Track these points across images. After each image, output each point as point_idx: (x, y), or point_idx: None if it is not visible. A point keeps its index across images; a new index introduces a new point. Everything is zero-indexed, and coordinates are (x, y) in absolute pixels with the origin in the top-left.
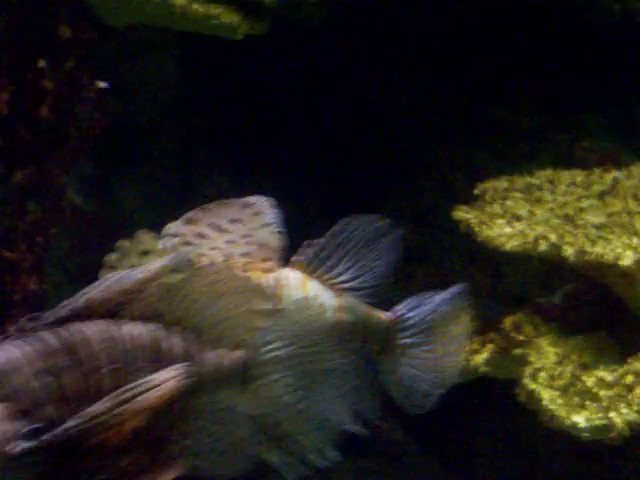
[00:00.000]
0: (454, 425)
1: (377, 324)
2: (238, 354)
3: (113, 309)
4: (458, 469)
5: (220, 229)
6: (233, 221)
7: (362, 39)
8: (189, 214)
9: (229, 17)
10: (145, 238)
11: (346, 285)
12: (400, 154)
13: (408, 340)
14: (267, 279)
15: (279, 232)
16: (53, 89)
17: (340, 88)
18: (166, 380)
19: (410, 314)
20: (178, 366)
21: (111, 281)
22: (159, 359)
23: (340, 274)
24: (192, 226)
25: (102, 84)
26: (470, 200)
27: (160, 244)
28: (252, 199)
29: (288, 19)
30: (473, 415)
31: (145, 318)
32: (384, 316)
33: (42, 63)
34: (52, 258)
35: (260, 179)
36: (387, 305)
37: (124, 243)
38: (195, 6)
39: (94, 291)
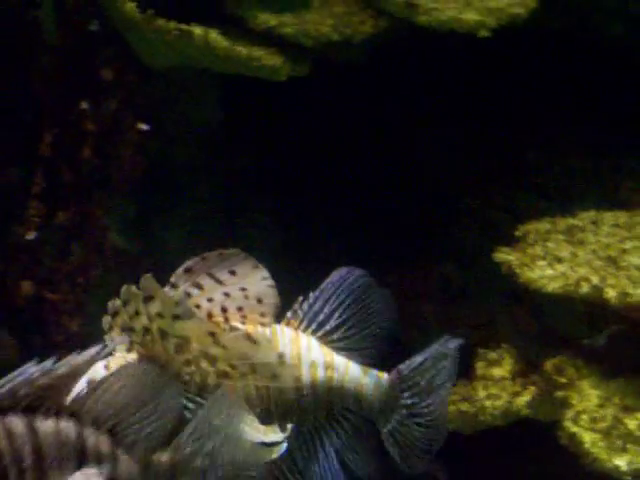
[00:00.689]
0: (497, 468)
1: (375, 385)
2: (165, 457)
3: (37, 401)
4: None
5: (218, 280)
6: (231, 273)
7: (401, 79)
8: (189, 263)
9: (271, 59)
10: (149, 284)
11: (339, 344)
12: (444, 196)
13: (410, 400)
14: (265, 331)
15: (274, 288)
16: (95, 131)
17: (381, 128)
18: None
19: (412, 374)
20: (94, 470)
21: (34, 373)
22: (84, 457)
23: (332, 332)
24: (191, 275)
25: (143, 126)
26: (512, 242)
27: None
28: (248, 257)
29: (329, 60)
30: (516, 458)
31: (69, 413)
32: (384, 377)
33: (84, 105)
34: (95, 299)
35: (303, 219)
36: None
37: (130, 288)
38: (238, 48)
39: (17, 381)
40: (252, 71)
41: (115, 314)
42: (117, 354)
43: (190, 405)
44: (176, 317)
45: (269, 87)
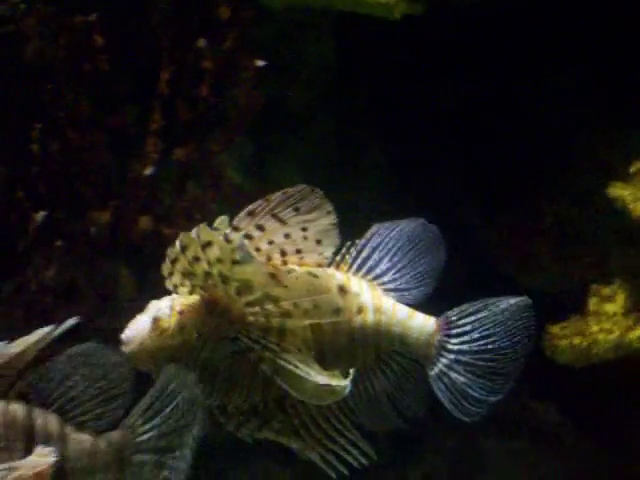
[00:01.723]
0: (609, 407)
1: (421, 329)
2: (115, 436)
3: None
4: (612, 451)
5: (280, 220)
6: (295, 210)
7: (519, 20)
8: (252, 205)
9: None
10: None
11: (389, 286)
12: (558, 136)
13: (459, 347)
14: (320, 270)
15: (336, 226)
16: (212, 69)
17: (495, 70)
18: (35, 464)
19: (462, 321)
20: (45, 449)
21: None
22: (32, 437)
23: (381, 275)
24: (254, 217)
25: (260, 63)
26: (627, 178)
27: (223, 235)
28: (314, 190)
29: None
30: (628, 398)
31: (18, 394)
32: (430, 322)
33: (201, 43)
34: None
35: (418, 161)
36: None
37: (188, 235)
38: None
39: None
40: (368, 9)
41: (175, 260)
42: (180, 296)
43: (256, 346)
44: (235, 262)
45: (384, 26)
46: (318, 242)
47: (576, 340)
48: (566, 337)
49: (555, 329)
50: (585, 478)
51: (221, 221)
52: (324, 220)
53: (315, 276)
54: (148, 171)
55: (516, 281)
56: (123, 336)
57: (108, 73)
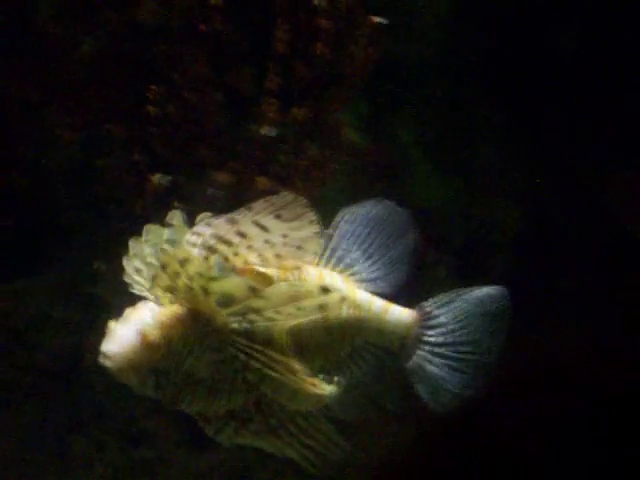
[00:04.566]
0: None
1: (397, 322)
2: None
3: None
4: None
5: (262, 227)
6: (277, 217)
7: None
8: (234, 215)
9: None
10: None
11: (361, 276)
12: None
13: (434, 339)
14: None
15: (319, 234)
16: (328, 26)
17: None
18: None
19: (438, 311)
20: None
21: None
22: None
23: (351, 265)
24: (234, 225)
25: (377, 19)
26: None
27: (187, 239)
28: (297, 198)
29: None
30: None
31: None
32: (406, 313)
33: (317, 1)
34: (329, 195)
35: (530, 114)
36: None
37: (166, 252)
38: None
39: None
40: None
41: (155, 277)
42: (162, 305)
43: (241, 356)
44: (213, 279)
45: None
46: (299, 248)
47: None
48: None
49: None
50: None
51: (173, 215)
52: (306, 229)
53: (294, 285)
54: (265, 131)
55: None
56: (105, 350)
57: (224, 33)
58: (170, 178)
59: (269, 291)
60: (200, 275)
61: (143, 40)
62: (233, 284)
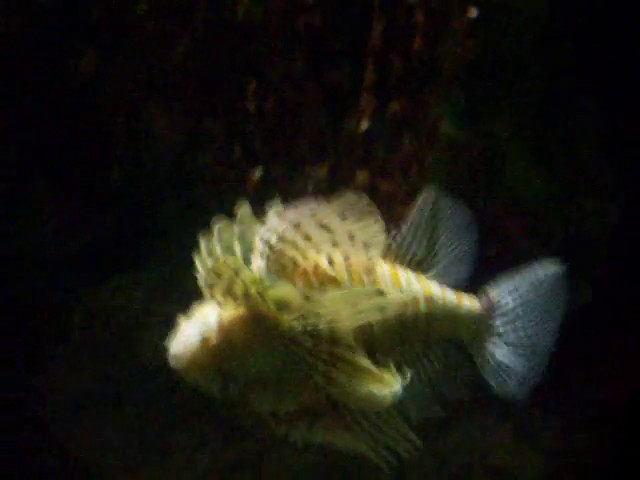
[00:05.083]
0: None
1: (469, 314)
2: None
3: None
4: None
5: (327, 228)
6: (342, 218)
7: None
8: (297, 217)
9: None
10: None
11: (432, 271)
12: None
13: (504, 327)
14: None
15: (383, 231)
16: (425, 21)
17: None
18: None
19: (505, 300)
20: None
21: None
22: None
23: (423, 260)
24: (300, 228)
25: (473, 12)
26: None
27: (260, 247)
28: (360, 198)
29: None
30: None
31: None
32: (476, 305)
33: None
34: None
35: (624, 106)
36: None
37: (221, 261)
38: None
39: None
40: None
41: (212, 285)
42: (226, 309)
43: (308, 358)
44: (265, 286)
45: None
46: (366, 246)
47: None
48: None
49: None
50: None
51: (240, 207)
52: (371, 227)
53: (349, 292)
54: (363, 126)
55: None
56: (172, 350)
57: (321, 29)
58: (269, 173)
59: (323, 297)
60: (254, 282)
61: (241, 37)
62: (284, 291)
